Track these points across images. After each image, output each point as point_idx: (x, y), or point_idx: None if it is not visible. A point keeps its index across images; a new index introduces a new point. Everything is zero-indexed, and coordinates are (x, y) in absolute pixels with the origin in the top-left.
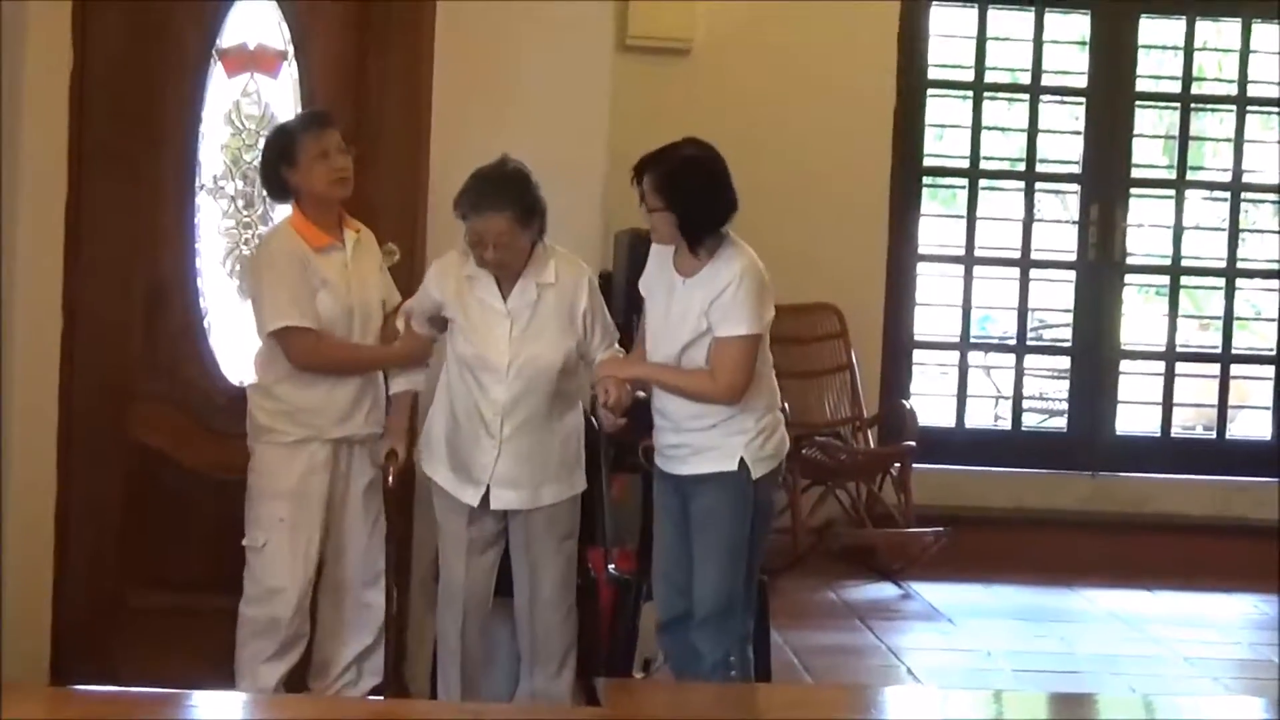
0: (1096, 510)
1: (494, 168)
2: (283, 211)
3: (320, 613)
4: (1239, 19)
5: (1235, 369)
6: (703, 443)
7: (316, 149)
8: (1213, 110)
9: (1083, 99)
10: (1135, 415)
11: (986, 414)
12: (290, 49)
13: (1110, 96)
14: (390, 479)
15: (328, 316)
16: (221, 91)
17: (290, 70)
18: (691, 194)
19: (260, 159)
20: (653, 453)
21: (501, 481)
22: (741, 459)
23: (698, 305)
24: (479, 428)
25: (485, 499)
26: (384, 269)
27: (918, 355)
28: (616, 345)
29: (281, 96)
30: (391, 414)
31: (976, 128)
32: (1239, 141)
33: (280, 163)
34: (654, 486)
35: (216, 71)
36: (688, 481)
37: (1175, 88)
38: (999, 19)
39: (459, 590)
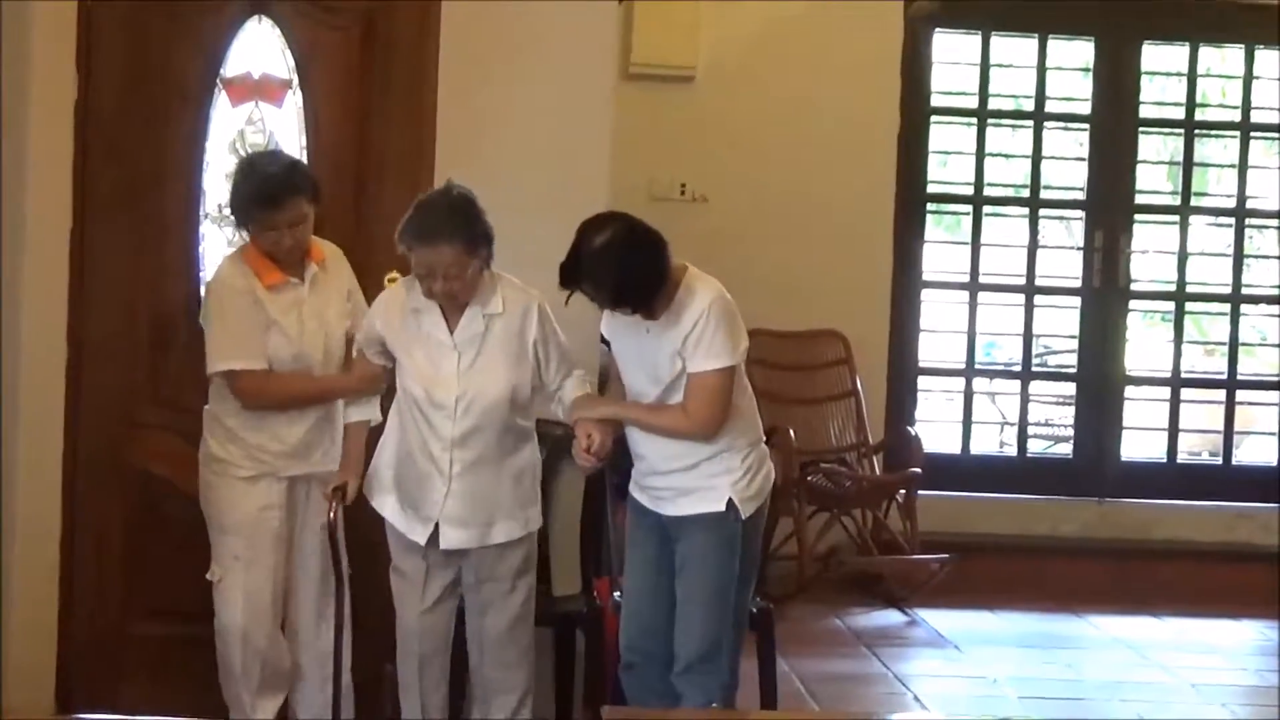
0: (1102, 537)
1: (439, 196)
2: None
3: None
4: (1242, 45)
5: (1241, 395)
6: (687, 484)
7: (266, 223)
8: (1216, 136)
9: (1086, 125)
10: (1141, 441)
11: (992, 441)
12: (294, 78)
13: (1114, 122)
14: (332, 514)
15: (278, 358)
16: (226, 120)
17: (294, 99)
18: (635, 282)
19: (230, 185)
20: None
21: (451, 520)
22: (729, 500)
23: (669, 347)
24: (428, 464)
25: (434, 537)
26: (352, 294)
27: (923, 382)
28: (580, 373)
29: (286, 125)
30: (345, 446)
31: (980, 154)
32: (1243, 167)
33: (233, 210)
34: (629, 520)
35: (221, 100)
36: (671, 522)
37: (1179, 114)
38: (1002, 46)
39: (414, 636)
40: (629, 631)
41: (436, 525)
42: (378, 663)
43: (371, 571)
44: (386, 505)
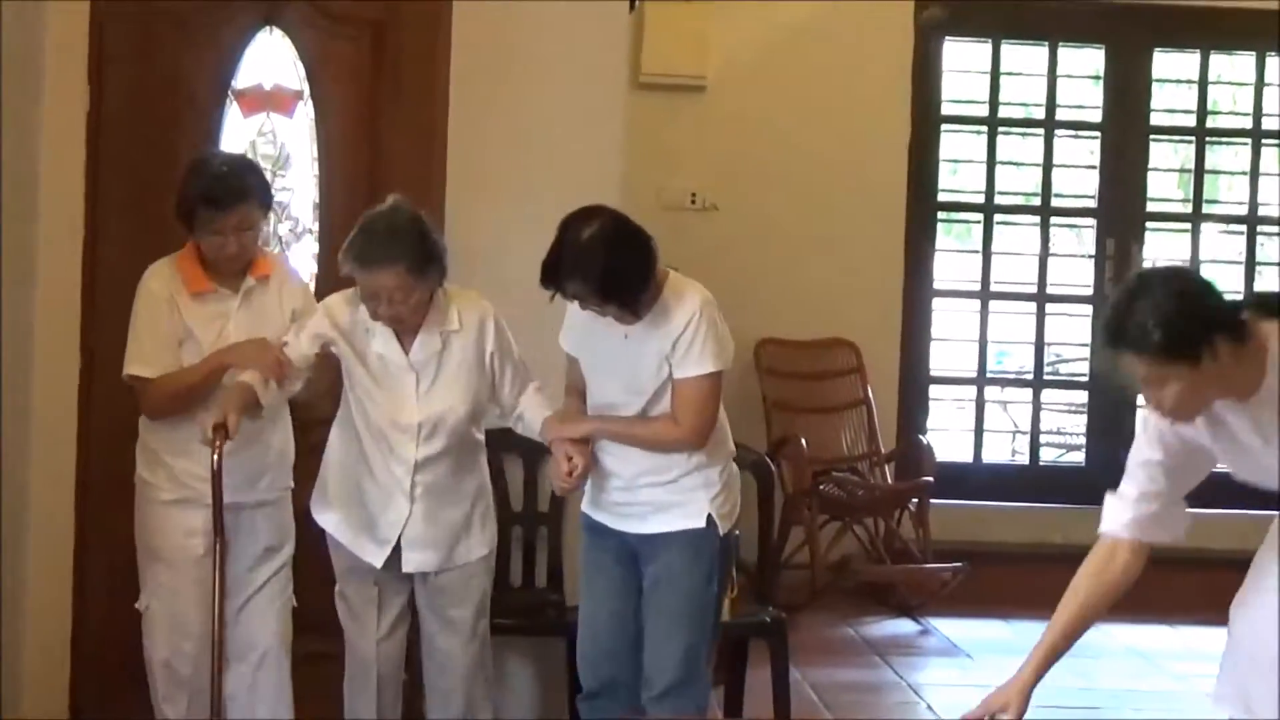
0: None
1: (383, 216)
2: (304, 249)
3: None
4: (1253, 52)
5: None
6: (663, 499)
7: (212, 226)
8: (1227, 143)
9: (1097, 133)
10: None
11: (1004, 449)
12: (305, 88)
13: (1125, 130)
14: (216, 456)
15: None
16: (237, 132)
17: (306, 110)
18: (624, 276)
19: (178, 185)
20: None
21: (413, 543)
22: (709, 515)
23: (653, 352)
24: (390, 484)
25: (391, 560)
26: (299, 317)
27: (934, 390)
28: (536, 384)
29: (297, 136)
30: (226, 391)
31: (991, 162)
32: (1254, 174)
33: (179, 210)
34: (584, 541)
35: (232, 112)
36: (643, 540)
37: (1190, 121)
38: (1013, 54)
39: (370, 664)
40: (591, 659)
41: (395, 548)
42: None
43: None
44: (332, 524)
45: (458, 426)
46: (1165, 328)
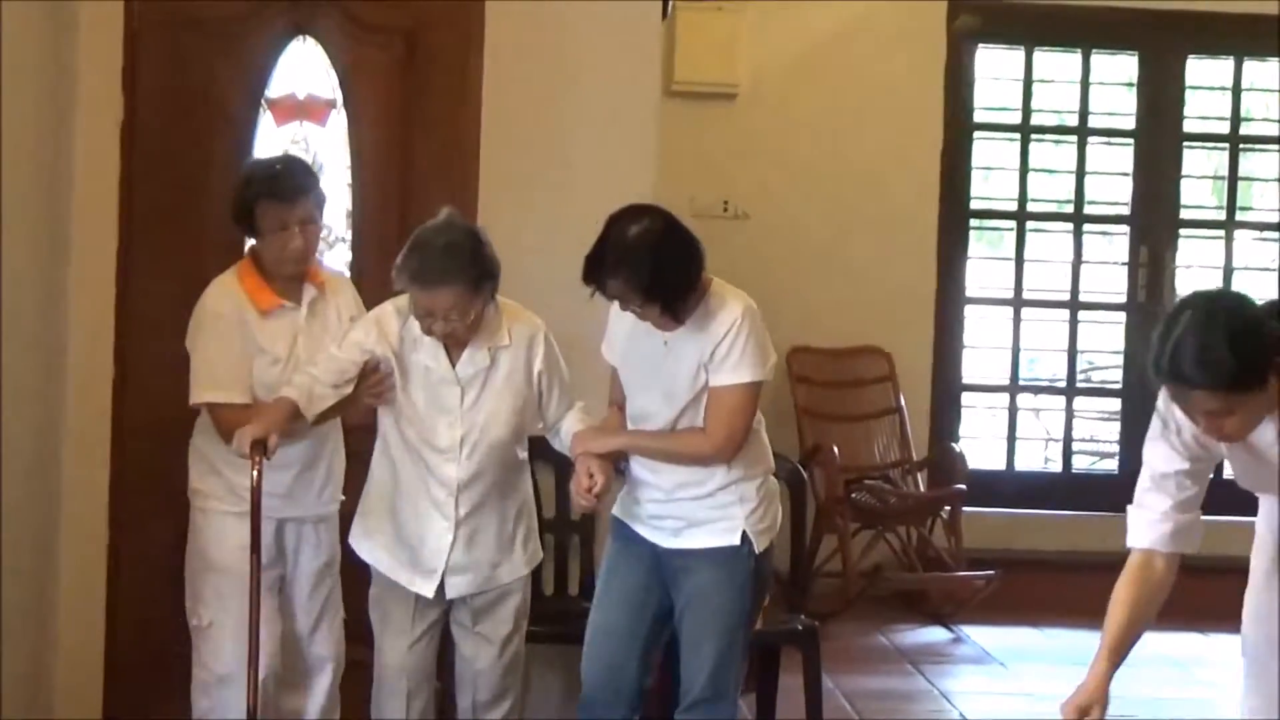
0: None
1: (439, 232)
2: (338, 257)
3: None
4: None
5: None
6: (696, 514)
7: (277, 221)
8: (1261, 150)
9: (1130, 140)
10: None
11: (1037, 457)
12: (338, 97)
13: (1158, 137)
14: (256, 472)
15: (266, 385)
16: (270, 140)
17: (339, 118)
18: (671, 276)
19: (234, 190)
20: None
21: (456, 568)
22: (744, 532)
23: (693, 358)
24: (429, 510)
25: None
26: (357, 319)
27: (967, 398)
28: (581, 405)
29: (330, 145)
30: (269, 406)
31: (1024, 169)
32: None
33: (240, 212)
34: (610, 545)
35: (265, 121)
36: (674, 555)
37: (1223, 128)
38: (1045, 61)
39: (400, 673)
40: (594, 667)
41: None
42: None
43: None
44: (376, 558)
45: (499, 444)
46: (1240, 363)
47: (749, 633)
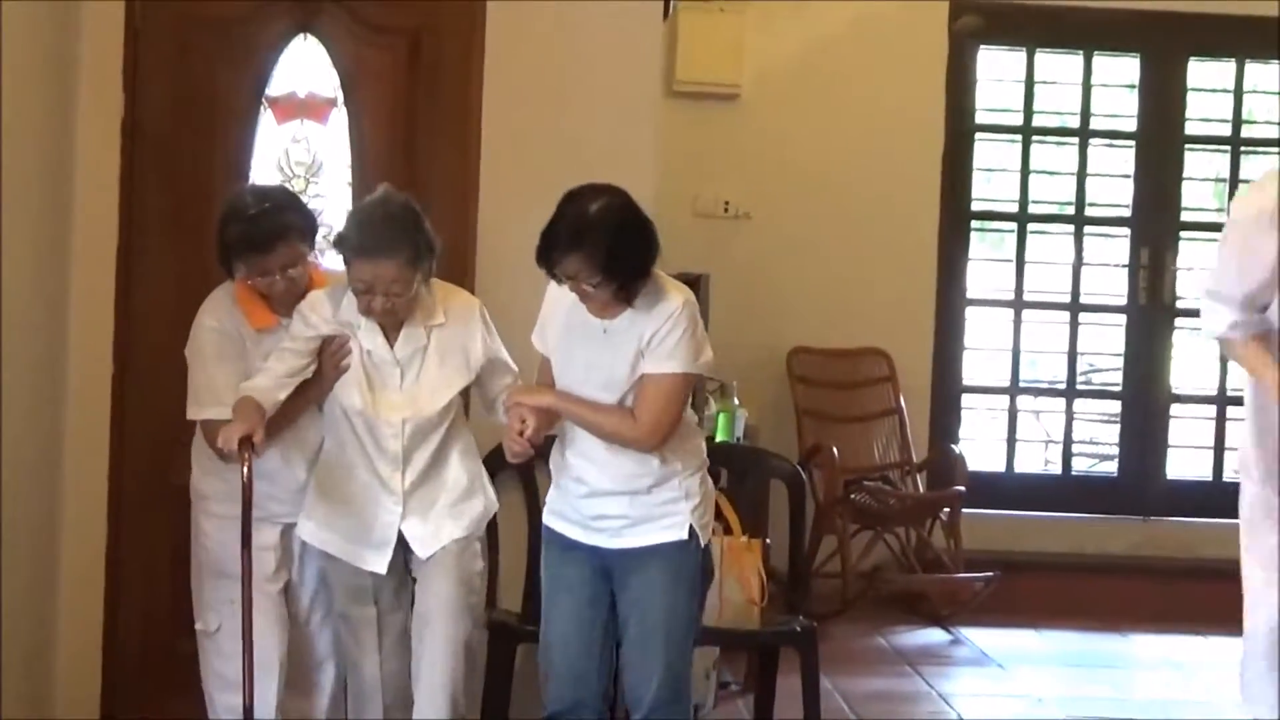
0: (1147, 555)
1: (379, 205)
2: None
3: None
4: None
5: None
6: (640, 511)
7: (258, 269)
8: (1263, 153)
9: (1132, 142)
10: (1186, 460)
11: (1036, 459)
12: (339, 96)
13: (1160, 140)
14: (246, 469)
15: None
16: (271, 139)
17: (340, 117)
18: (629, 254)
19: (216, 225)
20: None
21: (415, 537)
22: (690, 527)
23: (633, 345)
24: (376, 486)
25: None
26: None
27: (967, 400)
28: (516, 378)
29: (331, 143)
30: (247, 405)
31: (1025, 171)
32: None
33: (221, 255)
34: (547, 556)
35: (266, 119)
36: (619, 556)
37: (1225, 131)
38: (1047, 62)
39: (375, 685)
40: (558, 681)
41: (396, 547)
42: None
43: None
44: (330, 543)
45: (439, 419)
46: None
47: (699, 629)
